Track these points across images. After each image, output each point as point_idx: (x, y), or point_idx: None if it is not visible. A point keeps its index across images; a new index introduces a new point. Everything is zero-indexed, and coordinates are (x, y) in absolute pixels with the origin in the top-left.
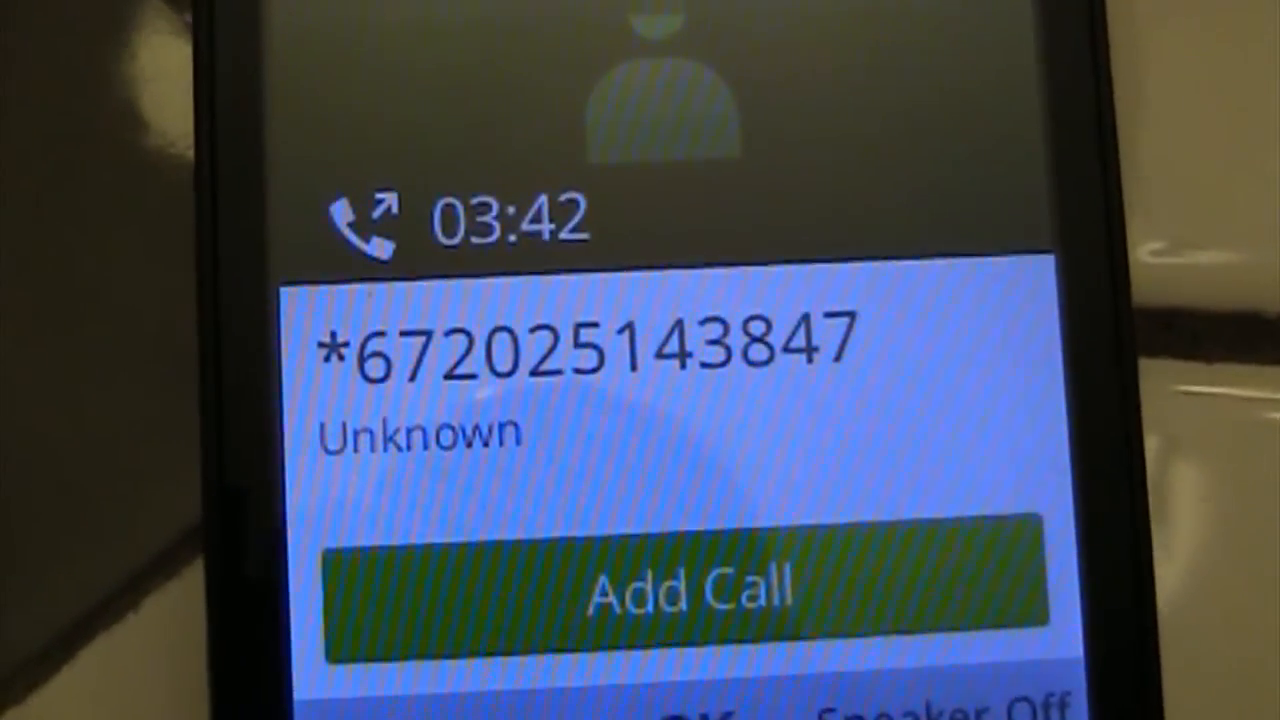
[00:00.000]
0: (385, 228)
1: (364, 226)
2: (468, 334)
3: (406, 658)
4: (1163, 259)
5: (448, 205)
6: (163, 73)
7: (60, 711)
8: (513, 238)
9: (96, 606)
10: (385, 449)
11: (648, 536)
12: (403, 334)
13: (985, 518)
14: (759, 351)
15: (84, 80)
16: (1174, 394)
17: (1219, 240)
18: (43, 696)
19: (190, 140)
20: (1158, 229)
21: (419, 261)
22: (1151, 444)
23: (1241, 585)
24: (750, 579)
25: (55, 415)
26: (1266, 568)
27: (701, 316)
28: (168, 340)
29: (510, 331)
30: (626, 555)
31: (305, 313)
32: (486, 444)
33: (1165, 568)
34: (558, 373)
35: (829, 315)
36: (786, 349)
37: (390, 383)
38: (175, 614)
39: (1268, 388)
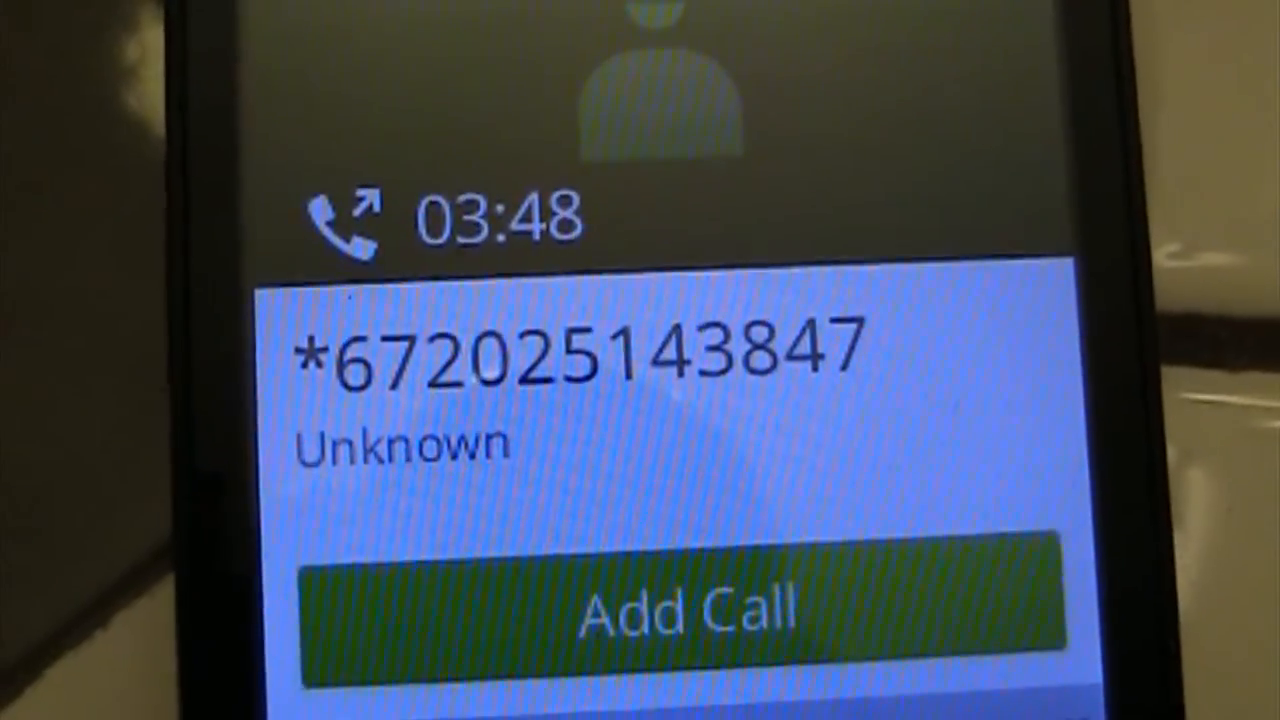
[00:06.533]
0: (367, 226)
1: (344, 225)
2: (453, 339)
3: (387, 682)
4: (1181, 262)
5: (433, 203)
6: (140, 65)
7: None
8: (501, 238)
9: (64, 624)
10: (366, 460)
11: (643, 554)
12: (384, 339)
13: (999, 535)
14: (761, 359)
15: (57, 74)
16: (1194, 403)
17: (1240, 244)
18: (7, 717)
19: (164, 135)
20: (1176, 232)
21: (402, 262)
22: (1171, 455)
23: (1265, 604)
24: (752, 600)
25: (25, 428)
26: None
27: (700, 322)
28: (142, 350)
29: (498, 337)
30: (620, 574)
31: (281, 316)
32: (473, 456)
33: (1184, 585)
34: (548, 380)
35: (835, 321)
36: (790, 356)
37: (371, 391)
38: (146, 632)
39: None
